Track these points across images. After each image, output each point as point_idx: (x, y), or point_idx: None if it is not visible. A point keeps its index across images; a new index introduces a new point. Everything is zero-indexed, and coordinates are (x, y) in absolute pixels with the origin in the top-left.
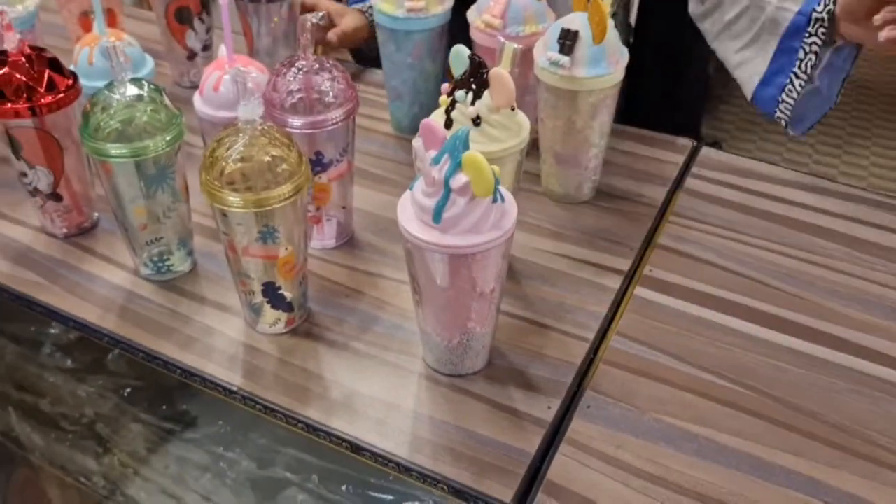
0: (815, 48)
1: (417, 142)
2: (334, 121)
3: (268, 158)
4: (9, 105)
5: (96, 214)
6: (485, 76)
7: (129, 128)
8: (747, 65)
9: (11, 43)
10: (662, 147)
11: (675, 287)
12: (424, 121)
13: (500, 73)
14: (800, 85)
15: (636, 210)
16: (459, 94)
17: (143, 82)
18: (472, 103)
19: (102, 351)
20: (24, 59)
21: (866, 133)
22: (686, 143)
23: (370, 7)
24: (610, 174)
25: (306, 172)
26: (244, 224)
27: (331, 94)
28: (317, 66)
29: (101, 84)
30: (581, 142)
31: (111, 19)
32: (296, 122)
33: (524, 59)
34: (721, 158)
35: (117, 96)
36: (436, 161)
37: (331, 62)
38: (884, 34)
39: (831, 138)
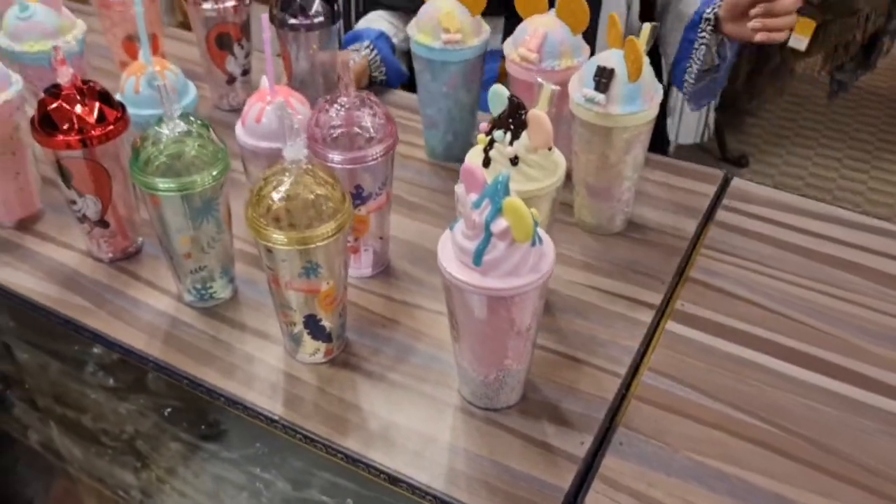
0: (704, 41)
1: (460, 188)
2: (374, 156)
3: (312, 197)
4: (61, 137)
5: (140, 239)
6: (523, 117)
7: (177, 162)
8: (663, 45)
9: (65, 77)
10: (694, 177)
11: (707, 322)
12: (465, 165)
13: (539, 115)
14: (697, 70)
15: (668, 242)
16: (498, 133)
17: (191, 118)
18: (511, 143)
19: (143, 371)
20: (75, 92)
21: (891, 147)
22: (717, 173)
23: (367, 47)
24: (641, 205)
25: (349, 210)
26: (288, 260)
27: (371, 129)
28: (358, 101)
29: (147, 112)
30: (614, 176)
31: (154, 44)
32: (337, 157)
33: (559, 93)
34: (752, 190)
35: (167, 132)
36: (476, 205)
37: (371, 98)
38: (756, 28)
39: (859, 153)
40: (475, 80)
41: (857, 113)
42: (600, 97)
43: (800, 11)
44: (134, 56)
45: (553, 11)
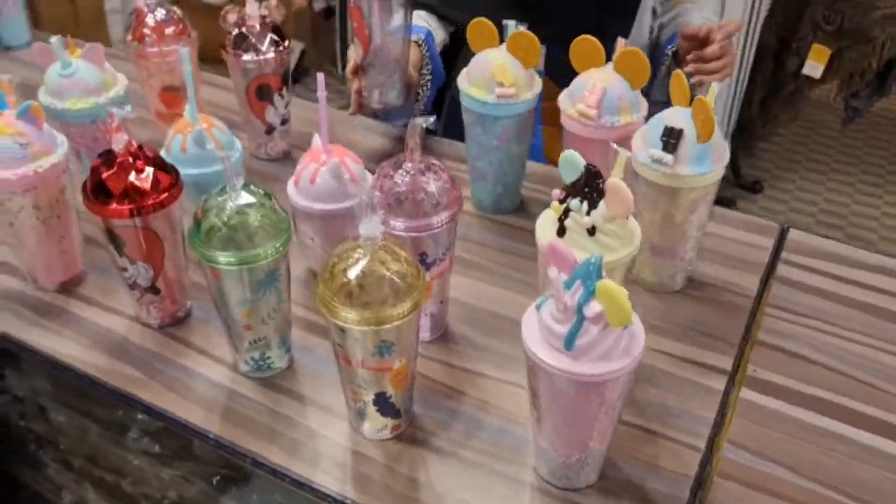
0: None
1: (553, 272)
2: (440, 223)
3: (388, 274)
4: (115, 206)
5: (189, 303)
6: (601, 186)
7: (239, 234)
8: None
9: (120, 144)
10: (750, 230)
11: (781, 389)
12: (552, 243)
13: (619, 185)
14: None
15: (730, 300)
16: (574, 203)
17: (252, 187)
18: (588, 213)
19: (191, 438)
20: (130, 159)
21: None
22: (773, 226)
23: (424, 39)
24: (699, 259)
25: (423, 285)
26: (362, 339)
27: (437, 194)
28: (423, 166)
29: (194, 171)
30: (679, 235)
31: None
32: (401, 224)
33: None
34: (810, 242)
35: (231, 203)
36: (567, 286)
37: (435, 162)
38: (690, 72)
39: (872, 177)
40: (527, 132)
41: (869, 137)
42: (668, 158)
43: (815, 39)
44: (171, 106)
45: (610, 65)
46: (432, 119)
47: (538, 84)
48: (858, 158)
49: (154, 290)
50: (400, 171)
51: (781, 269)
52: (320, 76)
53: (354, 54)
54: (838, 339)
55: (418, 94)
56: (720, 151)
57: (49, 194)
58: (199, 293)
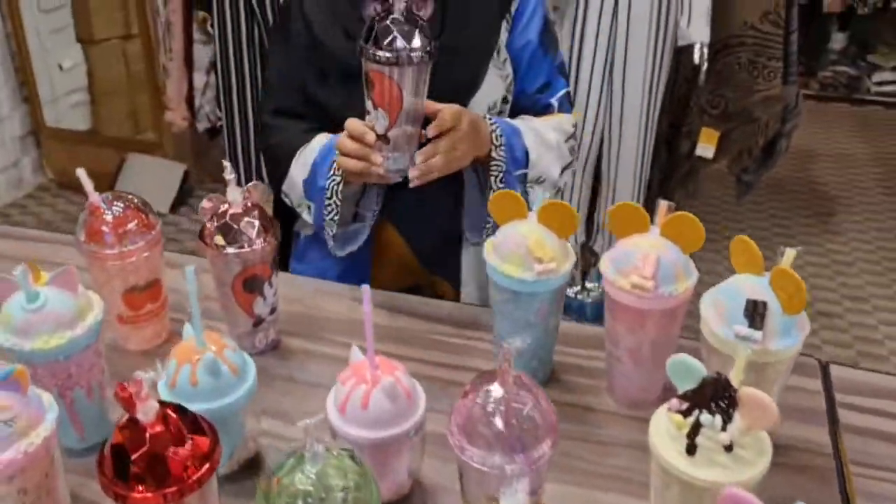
0: None
1: None
2: (544, 455)
3: None
4: (147, 494)
5: None
6: (734, 396)
7: None
8: None
9: (149, 413)
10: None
11: None
12: (732, 494)
13: (761, 397)
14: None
15: (811, 462)
16: (705, 418)
17: (335, 449)
18: (723, 428)
19: None
20: (162, 427)
21: (788, 231)
22: (812, 363)
23: None
24: None
25: None
26: None
27: (536, 419)
28: (514, 386)
29: (206, 406)
30: None
31: (156, 291)
32: (498, 460)
33: (670, 315)
34: (854, 377)
35: (312, 478)
36: None
37: (524, 378)
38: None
39: (758, 239)
40: (562, 303)
41: (751, 202)
42: (757, 335)
43: (704, 122)
44: (135, 307)
45: (656, 230)
46: (525, 344)
47: (572, 253)
48: (746, 224)
49: None
50: (491, 399)
51: (843, 416)
52: (365, 287)
53: (378, 125)
54: None
55: None
56: (803, 318)
57: (39, 473)
58: None
